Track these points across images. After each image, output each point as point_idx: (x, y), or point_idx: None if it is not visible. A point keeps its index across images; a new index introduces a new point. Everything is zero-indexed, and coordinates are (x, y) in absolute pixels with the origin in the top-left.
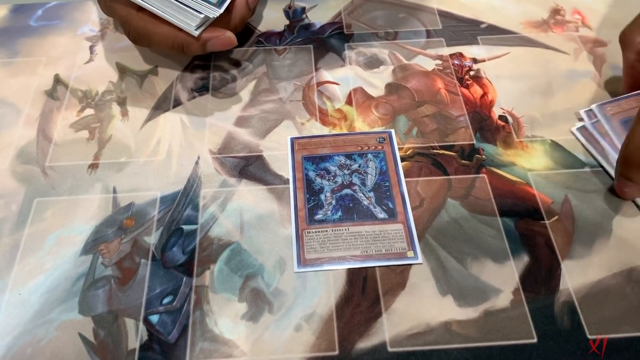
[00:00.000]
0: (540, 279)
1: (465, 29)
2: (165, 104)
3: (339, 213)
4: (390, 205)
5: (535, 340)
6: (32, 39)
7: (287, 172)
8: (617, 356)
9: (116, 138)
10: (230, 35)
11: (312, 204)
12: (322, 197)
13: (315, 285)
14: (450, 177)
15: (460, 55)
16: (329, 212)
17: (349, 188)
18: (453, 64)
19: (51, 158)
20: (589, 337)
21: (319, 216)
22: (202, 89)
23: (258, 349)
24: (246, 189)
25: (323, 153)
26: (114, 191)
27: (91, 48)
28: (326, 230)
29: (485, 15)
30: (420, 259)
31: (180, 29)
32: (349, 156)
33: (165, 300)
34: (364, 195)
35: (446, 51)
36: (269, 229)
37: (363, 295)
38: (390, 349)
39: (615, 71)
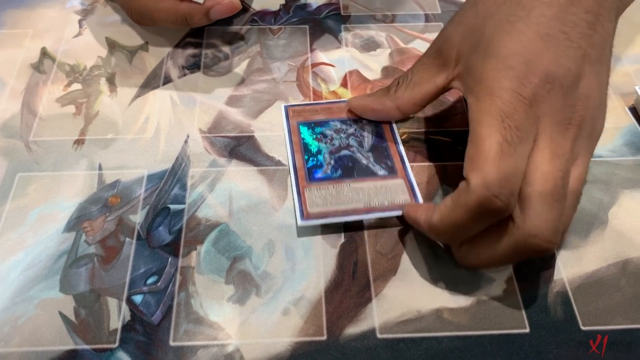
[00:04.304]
0: (534, 268)
1: None
2: (155, 80)
3: (339, 172)
4: (389, 163)
5: (527, 330)
6: (19, 11)
7: (278, 153)
8: (610, 348)
9: (103, 114)
10: (232, 0)
11: (311, 165)
12: (321, 157)
13: (305, 268)
14: (446, 163)
15: None
16: (328, 171)
17: (346, 149)
18: None
19: (35, 132)
20: (582, 328)
21: (318, 175)
22: (193, 67)
23: (244, 332)
24: (236, 169)
25: (318, 119)
26: (100, 168)
27: (80, 22)
28: (327, 187)
29: None
30: None
31: (181, 0)
32: (344, 122)
33: (150, 281)
34: (362, 155)
35: None
36: (259, 211)
37: (353, 280)
38: (379, 335)
39: (616, 62)
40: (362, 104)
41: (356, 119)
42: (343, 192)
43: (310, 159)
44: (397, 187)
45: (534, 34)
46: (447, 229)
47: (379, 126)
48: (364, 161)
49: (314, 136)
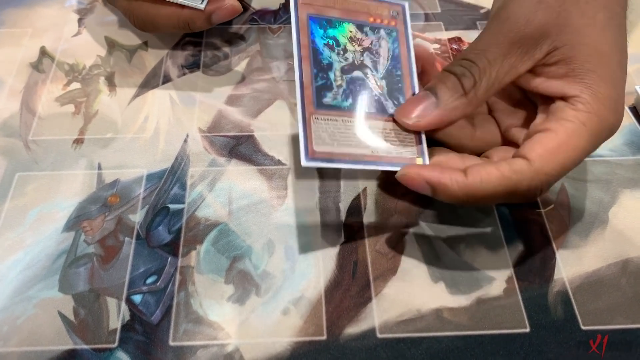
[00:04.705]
0: (534, 268)
1: (465, 14)
2: (154, 80)
3: (349, 100)
4: (401, 100)
5: (527, 329)
6: (18, 10)
7: (278, 152)
8: (610, 348)
9: (102, 113)
10: (233, 3)
11: (320, 83)
12: (332, 75)
13: (305, 268)
14: None
15: (459, 39)
16: (338, 97)
17: (360, 70)
18: (451, 49)
19: (35, 132)
20: (583, 328)
21: (327, 99)
22: (192, 66)
23: (244, 332)
24: (236, 169)
25: (332, 16)
26: (99, 167)
27: (79, 21)
28: (336, 120)
29: (485, 0)
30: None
31: (182, 7)
32: (360, 27)
33: (149, 280)
34: (376, 82)
35: (445, 35)
36: (258, 211)
37: (353, 279)
38: (379, 335)
39: None
40: (433, 119)
41: (374, 26)
42: (351, 130)
43: (320, 75)
44: (405, 137)
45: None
46: (483, 195)
47: (397, 43)
48: (377, 92)
49: (326, 40)
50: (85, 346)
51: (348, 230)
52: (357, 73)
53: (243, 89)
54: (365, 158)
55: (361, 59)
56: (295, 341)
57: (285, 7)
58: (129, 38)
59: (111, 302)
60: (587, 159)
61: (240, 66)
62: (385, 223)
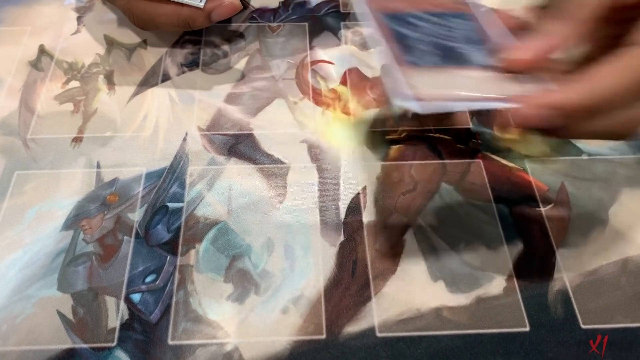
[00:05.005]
0: (534, 266)
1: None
2: (153, 78)
3: (440, 58)
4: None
5: (527, 328)
6: (17, 8)
7: (277, 151)
8: (610, 347)
9: (102, 112)
10: (232, 1)
11: (408, 55)
12: (417, 43)
13: (304, 267)
14: (445, 161)
15: None
16: (429, 58)
17: (442, 39)
18: None
19: (33, 130)
20: (583, 327)
21: (416, 60)
22: (192, 64)
23: (243, 330)
24: (235, 167)
25: (405, 11)
26: (98, 166)
27: (78, 19)
28: (432, 71)
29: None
30: None
31: (181, 5)
32: (429, 13)
33: (148, 279)
34: (462, 44)
35: None
36: (258, 209)
37: (353, 278)
38: (379, 334)
39: None
40: (539, 47)
41: (442, 13)
42: (459, 75)
43: (406, 48)
44: (523, 78)
45: None
46: (609, 94)
47: (468, 20)
48: (465, 51)
49: (403, 26)
50: (84, 345)
51: (347, 229)
52: (439, 40)
53: (242, 87)
54: (494, 99)
55: (440, 31)
56: (294, 340)
57: (284, 5)
58: (128, 36)
59: (110, 301)
60: (587, 157)
61: (240, 64)
62: (385, 222)
